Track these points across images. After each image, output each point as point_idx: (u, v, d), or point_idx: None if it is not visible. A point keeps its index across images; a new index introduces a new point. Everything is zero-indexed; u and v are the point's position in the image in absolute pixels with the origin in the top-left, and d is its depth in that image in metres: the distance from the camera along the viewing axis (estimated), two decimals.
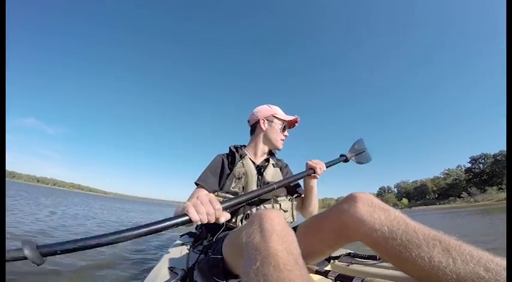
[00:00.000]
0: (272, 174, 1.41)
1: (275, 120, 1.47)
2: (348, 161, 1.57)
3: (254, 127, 1.53)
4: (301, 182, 1.44)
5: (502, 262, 0.55)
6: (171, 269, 1.04)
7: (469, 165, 72.43)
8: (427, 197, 78.27)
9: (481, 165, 68.40)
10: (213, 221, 0.77)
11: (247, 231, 0.66)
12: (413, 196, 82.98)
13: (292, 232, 0.65)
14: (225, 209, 0.82)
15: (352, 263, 1.21)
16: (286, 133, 1.50)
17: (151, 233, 0.68)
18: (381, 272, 1.03)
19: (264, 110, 1.50)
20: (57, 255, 0.59)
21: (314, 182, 1.37)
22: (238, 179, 1.32)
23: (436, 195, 75.57)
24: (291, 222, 1.34)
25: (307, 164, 1.33)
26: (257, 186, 1.31)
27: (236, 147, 1.49)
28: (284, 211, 1.31)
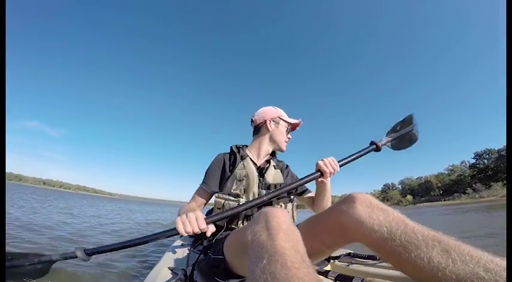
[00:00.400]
0: (273, 175, 1.41)
1: (281, 122, 1.48)
2: (380, 149, 1.33)
3: (259, 127, 1.51)
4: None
5: (502, 262, 0.54)
6: (171, 269, 1.05)
7: (473, 161, 71.92)
8: (431, 193, 77.84)
9: (485, 161, 67.91)
10: (196, 231, 0.93)
11: (253, 230, 0.66)
12: (418, 193, 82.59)
13: (297, 231, 0.66)
14: (210, 223, 0.99)
15: (352, 263, 1.23)
16: (289, 136, 1.51)
17: (149, 242, 1.03)
18: (380, 272, 1.04)
19: (270, 111, 1.50)
20: (97, 254, 1.08)
21: (326, 184, 1.30)
22: (240, 180, 1.33)
23: (441, 192, 75.19)
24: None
25: (317, 164, 1.21)
26: (258, 188, 1.32)
27: (238, 147, 1.48)
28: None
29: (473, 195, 58.06)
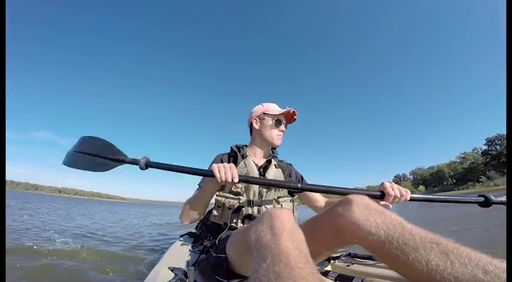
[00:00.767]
0: (274, 174, 1.40)
1: (266, 117, 1.43)
2: (490, 205, 1.08)
3: (251, 128, 1.52)
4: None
5: (501, 264, 0.54)
6: (171, 269, 1.05)
7: (485, 147, 70.27)
8: (444, 183, 77.00)
9: (498, 147, 66.19)
10: (229, 179, 0.99)
11: (257, 229, 0.67)
12: (430, 183, 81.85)
13: (301, 231, 0.66)
14: (240, 179, 1.02)
15: (352, 263, 1.24)
16: (282, 128, 1.43)
17: (190, 174, 1.09)
18: (380, 273, 1.04)
19: (256, 110, 1.48)
20: (154, 168, 1.14)
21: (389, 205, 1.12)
22: None
23: (454, 181, 74.18)
24: None
25: (382, 184, 1.04)
26: (259, 187, 1.32)
27: (238, 147, 1.47)
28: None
29: (488, 183, 56.90)
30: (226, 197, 1.27)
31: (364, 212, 0.78)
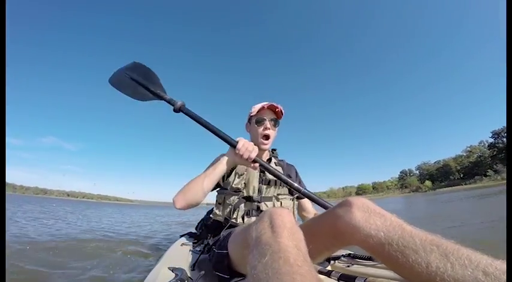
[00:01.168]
0: None
1: (251, 119, 1.44)
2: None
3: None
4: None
5: (502, 266, 0.54)
6: (171, 269, 1.05)
7: (491, 140, 69.69)
8: (451, 177, 76.44)
9: (504, 140, 65.00)
10: (248, 153, 1.11)
11: (257, 227, 0.68)
12: (437, 177, 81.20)
13: (300, 231, 0.66)
14: (256, 160, 1.15)
15: (352, 264, 1.24)
16: (265, 125, 1.38)
17: (216, 135, 1.22)
18: (381, 273, 1.04)
19: (247, 116, 1.49)
20: (185, 115, 1.26)
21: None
22: (241, 175, 1.35)
23: (461, 175, 73.66)
24: None
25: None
26: (259, 183, 1.34)
27: None
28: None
29: (495, 177, 56.39)
30: (227, 194, 1.32)
31: (364, 214, 0.77)
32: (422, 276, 0.61)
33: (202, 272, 1.06)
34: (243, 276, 0.93)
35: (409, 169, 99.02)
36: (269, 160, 1.47)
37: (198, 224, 1.85)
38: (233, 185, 1.33)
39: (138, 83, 1.37)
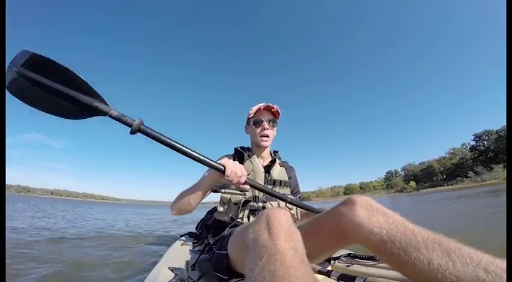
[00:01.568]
0: (278, 172, 1.45)
1: (250, 120, 1.47)
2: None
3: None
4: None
5: (503, 264, 0.55)
6: (171, 269, 1.05)
7: (473, 143, 72.26)
8: (434, 178, 78.80)
9: (485, 142, 68.14)
10: (237, 177, 1.00)
11: (255, 229, 0.68)
12: (421, 178, 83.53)
13: (298, 232, 0.67)
14: (246, 182, 1.04)
15: (353, 264, 1.24)
16: (264, 126, 1.42)
17: (196, 160, 0.97)
18: (381, 273, 1.05)
19: (246, 117, 1.51)
20: (144, 135, 0.89)
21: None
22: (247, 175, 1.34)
23: (444, 176, 76.03)
24: (295, 221, 1.37)
25: (320, 209, 1.29)
26: (264, 183, 1.35)
27: (242, 148, 1.50)
28: (289, 209, 1.36)
29: (476, 179, 58.71)
30: (232, 193, 1.32)
31: (367, 212, 0.79)
32: (424, 273, 0.61)
33: (202, 272, 1.08)
34: (242, 276, 0.94)
35: (395, 170, 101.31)
36: (273, 161, 1.47)
37: (198, 224, 1.85)
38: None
39: (56, 91, 0.89)
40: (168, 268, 1.06)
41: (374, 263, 1.19)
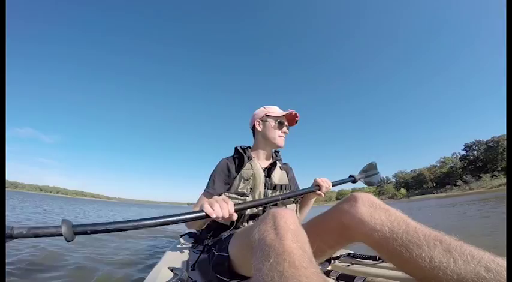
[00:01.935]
0: (279, 176, 1.42)
1: (268, 119, 1.44)
2: (356, 181, 1.59)
3: (253, 130, 1.53)
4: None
5: (503, 262, 0.55)
6: (171, 269, 1.04)
7: (463, 152, 73.46)
8: (424, 186, 79.69)
9: (475, 152, 69.26)
10: (226, 216, 0.82)
11: (260, 229, 0.67)
12: (412, 186, 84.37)
13: (304, 232, 0.66)
14: (237, 210, 0.89)
15: (353, 263, 1.23)
16: (285, 130, 1.45)
17: (171, 223, 0.77)
18: (381, 272, 1.04)
19: (259, 112, 1.49)
20: (86, 235, 0.67)
21: (314, 197, 1.41)
22: (246, 180, 1.32)
23: (434, 184, 77.00)
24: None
25: (315, 180, 1.32)
26: (265, 188, 1.33)
27: (243, 149, 1.46)
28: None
29: (464, 187, 59.87)
30: (232, 198, 1.28)
31: (369, 209, 0.78)
32: (425, 270, 0.61)
33: (202, 272, 1.08)
34: (244, 278, 0.93)
35: (386, 176, 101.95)
36: (273, 164, 1.44)
37: None
38: (238, 190, 1.31)
39: None
40: (168, 268, 1.07)
41: (374, 262, 1.19)
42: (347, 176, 1.60)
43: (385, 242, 0.70)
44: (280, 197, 1.13)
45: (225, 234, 1.18)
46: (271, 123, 1.44)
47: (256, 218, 1.27)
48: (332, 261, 1.30)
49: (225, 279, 0.95)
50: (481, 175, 60.33)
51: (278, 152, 1.62)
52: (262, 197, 1.30)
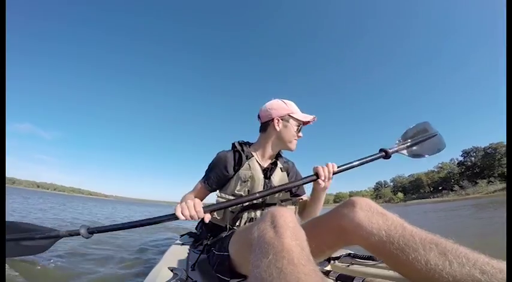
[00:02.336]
0: (279, 178, 1.35)
1: (291, 120, 1.30)
2: (389, 156, 1.27)
3: (266, 125, 1.35)
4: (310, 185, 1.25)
5: (498, 265, 0.56)
6: (171, 269, 1.04)
7: (461, 158, 73.97)
8: (421, 190, 79.99)
9: (472, 158, 69.77)
10: (196, 218, 0.98)
11: (259, 227, 0.68)
12: (409, 190, 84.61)
13: (303, 231, 0.67)
14: (208, 211, 1.01)
15: (352, 264, 1.23)
16: (300, 134, 1.34)
17: (150, 224, 1.07)
18: (380, 273, 1.04)
19: (279, 108, 1.32)
20: (99, 233, 1.13)
21: (323, 190, 1.25)
22: (244, 182, 1.26)
23: (431, 189, 77.28)
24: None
25: (313, 168, 1.17)
26: (263, 190, 1.25)
27: (241, 145, 1.36)
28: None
29: (460, 193, 60.41)
30: (229, 199, 1.19)
31: (367, 213, 0.80)
32: (421, 273, 0.62)
33: (202, 272, 1.09)
34: (244, 277, 0.94)
35: (384, 180, 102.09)
36: (274, 164, 1.38)
37: (198, 224, 1.80)
38: (235, 191, 1.26)
39: (32, 238, 1.23)
40: (168, 268, 1.07)
41: (374, 263, 1.18)
42: (377, 151, 1.28)
43: (382, 246, 0.72)
44: (257, 195, 1.07)
45: (225, 233, 1.19)
46: (293, 125, 1.31)
47: (255, 218, 1.27)
48: (332, 261, 1.30)
49: (226, 278, 0.96)
50: (477, 181, 60.91)
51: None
52: (260, 199, 1.21)
